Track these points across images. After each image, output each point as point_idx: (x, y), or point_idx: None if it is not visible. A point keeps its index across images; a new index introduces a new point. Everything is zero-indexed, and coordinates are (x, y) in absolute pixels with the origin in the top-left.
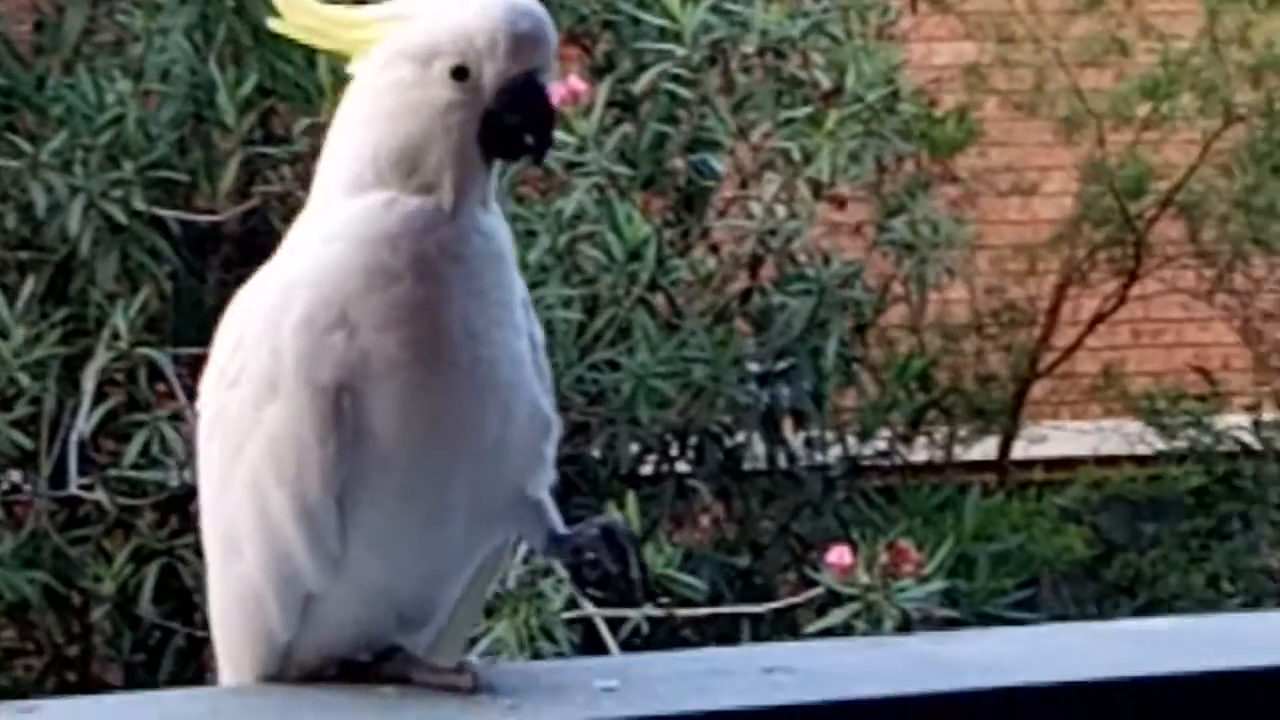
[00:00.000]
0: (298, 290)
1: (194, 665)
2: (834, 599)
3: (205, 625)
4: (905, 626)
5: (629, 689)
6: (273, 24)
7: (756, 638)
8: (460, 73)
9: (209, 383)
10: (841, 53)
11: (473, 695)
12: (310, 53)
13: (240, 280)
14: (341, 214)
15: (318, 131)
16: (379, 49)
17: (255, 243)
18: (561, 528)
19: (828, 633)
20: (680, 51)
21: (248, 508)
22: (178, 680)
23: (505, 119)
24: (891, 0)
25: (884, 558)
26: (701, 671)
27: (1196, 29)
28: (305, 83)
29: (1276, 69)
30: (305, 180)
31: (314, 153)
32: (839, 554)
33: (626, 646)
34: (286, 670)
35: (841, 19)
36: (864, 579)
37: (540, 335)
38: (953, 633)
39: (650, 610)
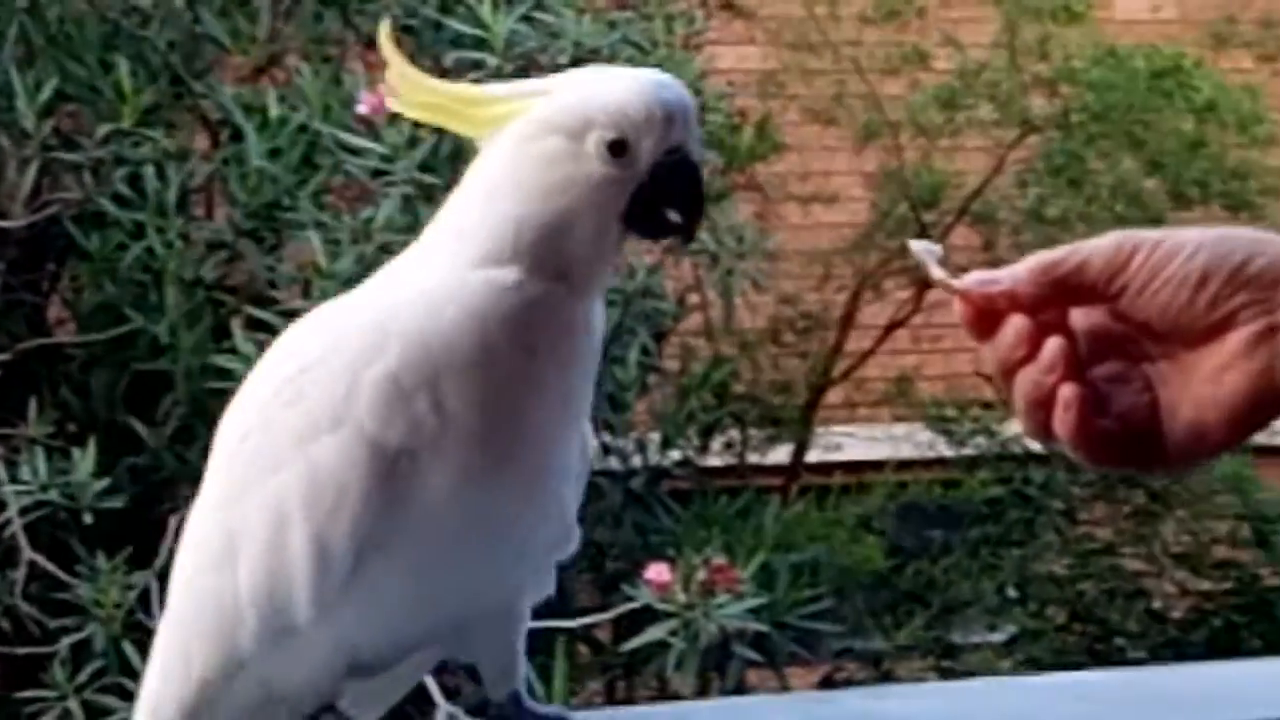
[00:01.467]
0: (394, 340)
1: None
2: (651, 615)
3: None
4: (724, 643)
5: None
6: (390, 104)
7: (571, 653)
8: (617, 147)
9: (260, 388)
10: (647, 62)
11: None
12: (105, 56)
13: (27, 285)
14: (456, 281)
15: (120, 138)
16: (520, 123)
17: (43, 246)
18: (524, 691)
19: (652, 647)
20: (492, 61)
21: (263, 526)
22: None
23: (658, 196)
24: (694, 9)
25: (702, 574)
26: None
27: (994, 39)
28: (102, 87)
29: (1073, 81)
30: (105, 186)
31: (116, 160)
32: (657, 571)
33: (440, 665)
34: (220, 701)
35: (647, 29)
36: (681, 597)
37: (591, 444)
38: (885, 688)
39: None
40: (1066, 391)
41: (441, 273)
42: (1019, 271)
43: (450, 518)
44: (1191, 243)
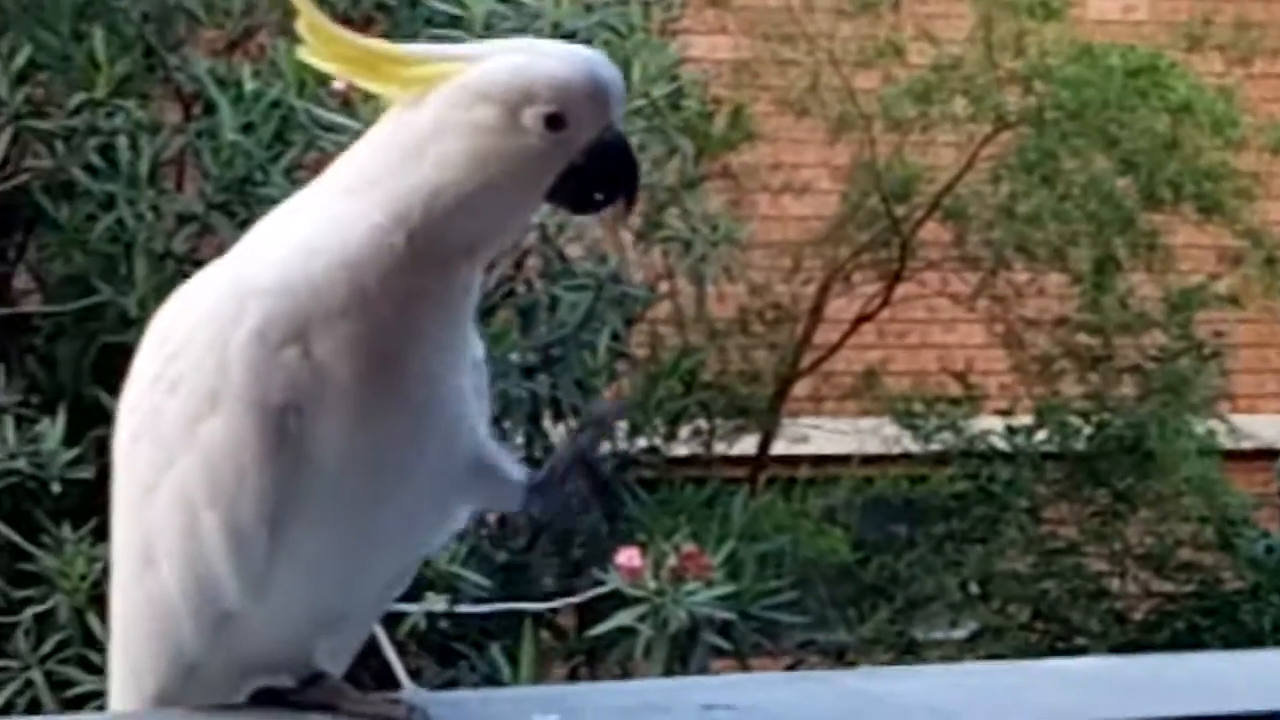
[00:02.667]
0: (250, 300)
1: None
2: (620, 600)
3: None
4: (692, 630)
5: None
6: (301, 53)
7: (538, 639)
8: (555, 121)
9: (139, 382)
10: (624, 47)
11: None
12: (79, 26)
13: None
14: (342, 230)
15: (93, 108)
16: (448, 89)
17: (9, 216)
18: (527, 477)
19: (618, 634)
20: (468, 41)
21: (173, 522)
22: None
23: (592, 173)
24: None
25: (672, 560)
26: (639, 706)
27: (969, 34)
28: (75, 56)
29: (1047, 77)
30: (76, 156)
31: (89, 129)
32: (628, 556)
33: (402, 646)
34: (189, 692)
35: (624, 13)
36: (651, 583)
37: (481, 352)
38: (879, 669)
39: (431, 606)
40: None
41: (322, 224)
42: None
43: (355, 463)
44: None
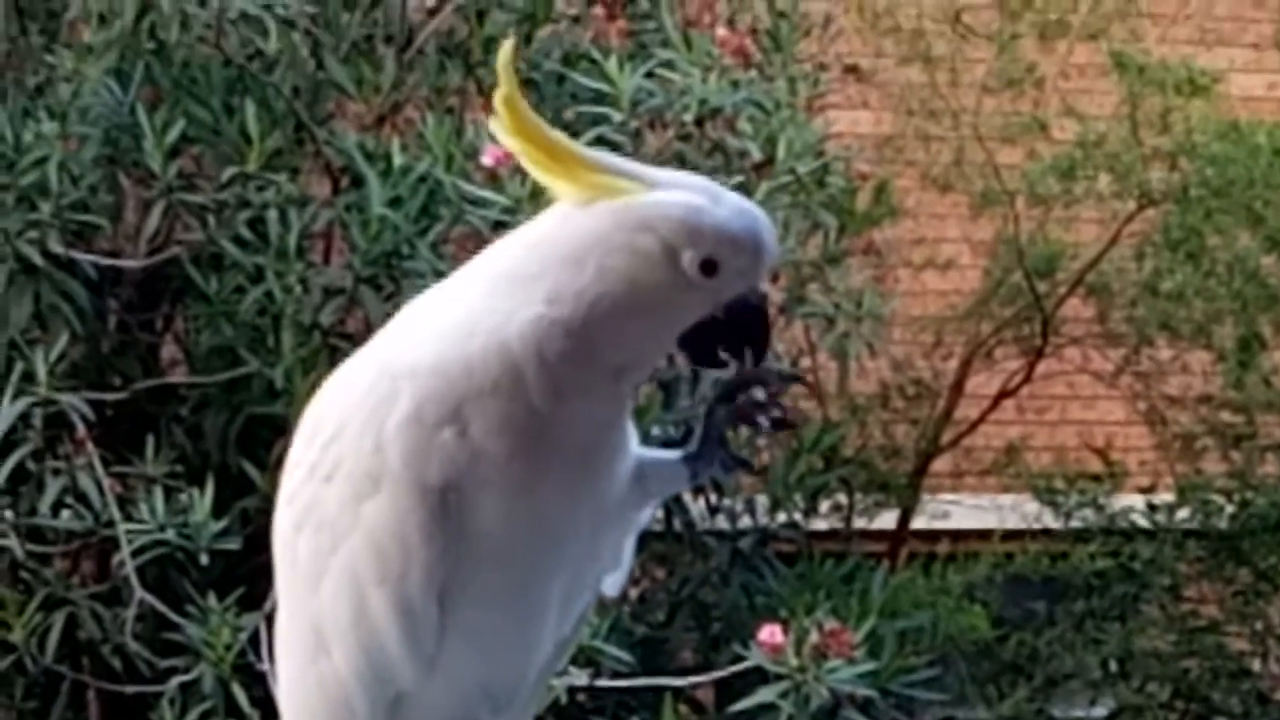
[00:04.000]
0: (404, 381)
1: (84, 713)
2: (761, 676)
3: (95, 673)
4: (835, 706)
5: None
6: (492, 125)
7: (678, 713)
8: (709, 267)
9: (296, 473)
10: (770, 124)
11: None
12: (229, 100)
13: (143, 325)
14: (501, 316)
15: (244, 181)
16: (620, 207)
17: (157, 287)
18: (683, 455)
19: (757, 710)
20: (617, 116)
21: (342, 606)
22: None
23: (724, 329)
24: (816, 71)
25: (814, 636)
26: None
27: (1114, 110)
28: (226, 130)
29: (1193, 155)
30: (226, 228)
31: (239, 203)
32: (770, 632)
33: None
34: None
35: (770, 89)
36: (793, 660)
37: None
38: None
39: (572, 680)
40: None
41: (479, 308)
42: None
43: (515, 537)
44: None
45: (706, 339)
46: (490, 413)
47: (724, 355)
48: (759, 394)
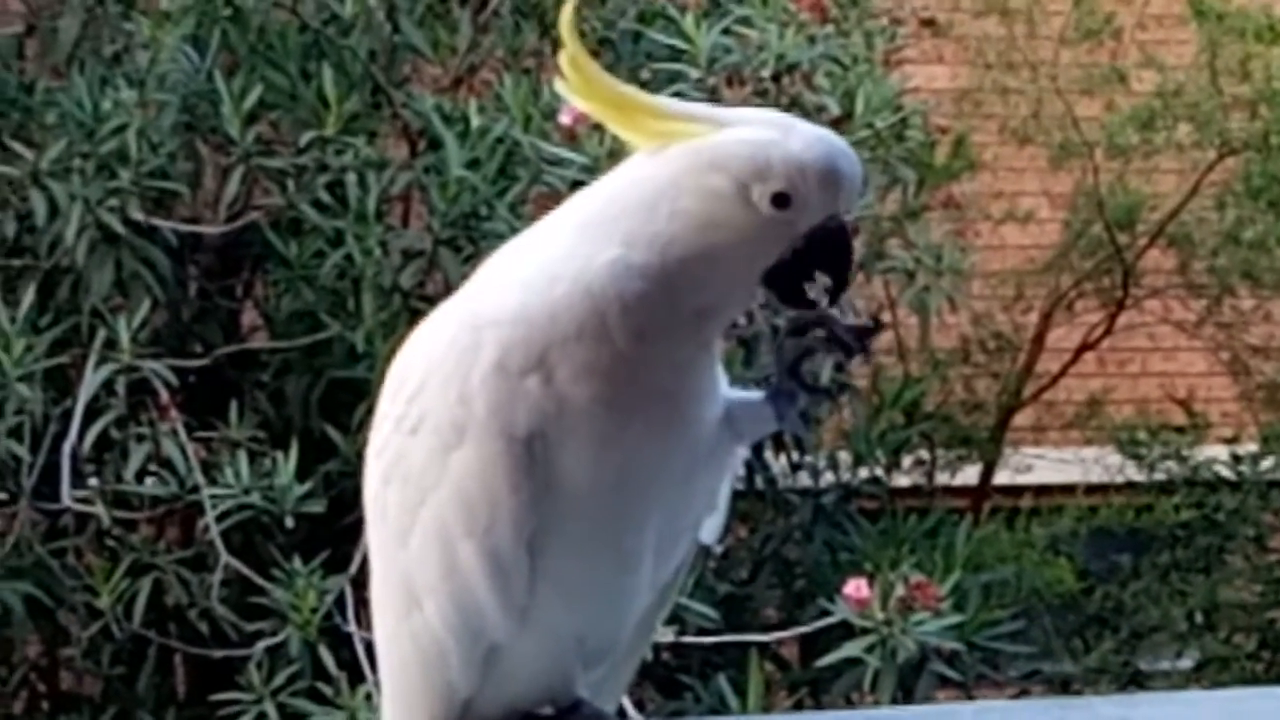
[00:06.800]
0: (487, 331)
1: (171, 678)
2: (846, 631)
3: (182, 638)
4: (922, 660)
5: None
6: (558, 86)
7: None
8: (782, 200)
9: (383, 427)
10: (847, 78)
11: None
12: (306, 65)
13: (224, 291)
14: (582, 261)
15: (322, 145)
16: (691, 149)
17: (237, 253)
18: (768, 394)
19: (843, 664)
20: (694, 73)
21: (432, 559)
22: (158, 692)
23: (808, 260)
24: (892, 25)
25: (900, 590)
26: None
27: (1193, 59)
28: (303, 94)
29: (1273, 102)
30: (305, 193)
31: (319, 167)
32: (856, 587)
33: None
34: None
35: (847, 44)
36: (879, 614)
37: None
38: (1133, 696)
39: (658, 637)
40: None
41: (560, 255)
42: None
43: (603, 485)
44: None
45: (789, 274)
46: (575, 358)
47: (811, 288)
48: (823, 334)
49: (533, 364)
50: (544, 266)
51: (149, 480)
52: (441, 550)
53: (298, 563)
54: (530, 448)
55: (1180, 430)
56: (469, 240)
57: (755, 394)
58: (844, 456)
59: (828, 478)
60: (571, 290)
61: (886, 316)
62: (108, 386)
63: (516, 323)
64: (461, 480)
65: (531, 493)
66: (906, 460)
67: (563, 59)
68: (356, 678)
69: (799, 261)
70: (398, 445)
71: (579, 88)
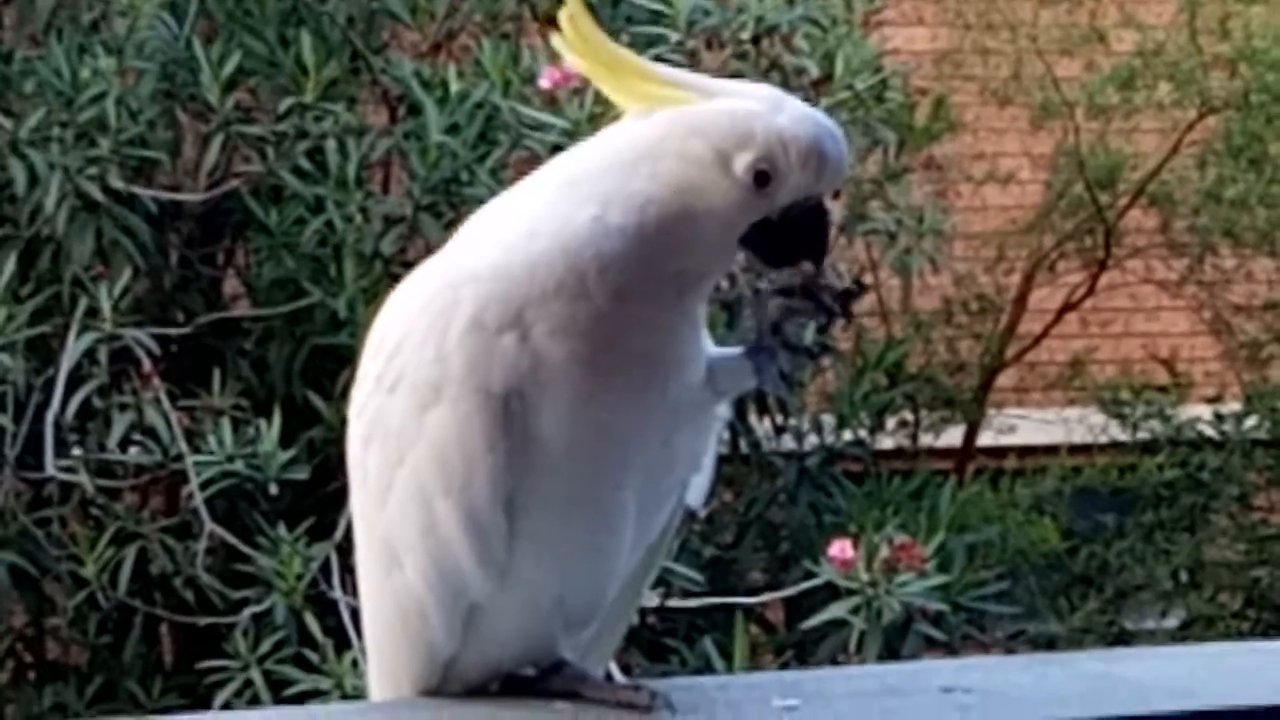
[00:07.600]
0: (465, 288)
1: (157, 647)
2: (831, 593)
3: (167, 606)
4: (907, 621)
5: (810, 709)
6: (555, 41)
7: (748, 632)
8: (762, 178)
9: (363, 386)
10: (826, 40)
11: (649, 713)
12: (284, 31)
13: (205, 259)
14: (561, 218)
15: (301, 112)
16: (676, 115)
17: (218, 221)
18: (746, 352)
19: (828, 626)
20: (674, 36)
21: (410, 518)
22: (144, 661)
23: (783, 236)
24: None
25: (884, 552)
26: (878, 690)
27: (1173, 19)
28: (282, 61)
29: (1253, 60)
30: (285, 160)
31: (299, 133)
32: (841, 548)
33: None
34: (446, 684)
35: (827, 5)
36: (864, 575)
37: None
38: (1117, 651)
39: (643, 602)
40: None
41: (540, 212)
42: None
43: (581, 443)
44: None
45: (765, 241)
46: (553, 316)
47: (789, 262)
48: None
49: (510, 321)
50: (523, 225)
51: (132, 449)
52: (420, 508)
53: (282, 530)
54: (507, 405)
55: (1163, 390)
56: (450, 206)
57: (735, 350)
58: (828, 419)
59: (811, 440)
60: (550, 247)
61: (868, 278)
62: (90, 355)
63: (494, 279)
64: (439, 438)
65: (508, 450)
66: (890, 422)
67: (562, 16)
68: (343, 644)
69: (773, 231)
70: (377, 404)
71: (575, 45)
